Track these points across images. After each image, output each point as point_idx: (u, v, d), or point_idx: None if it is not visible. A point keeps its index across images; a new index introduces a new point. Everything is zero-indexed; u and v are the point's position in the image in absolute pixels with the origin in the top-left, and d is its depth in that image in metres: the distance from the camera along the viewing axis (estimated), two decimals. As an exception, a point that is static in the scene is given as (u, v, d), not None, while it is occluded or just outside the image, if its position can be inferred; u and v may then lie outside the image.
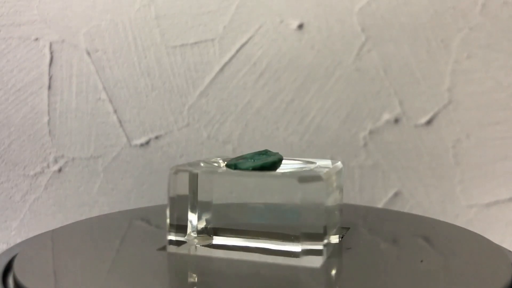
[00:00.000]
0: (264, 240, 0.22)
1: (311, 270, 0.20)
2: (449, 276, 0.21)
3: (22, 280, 0.19)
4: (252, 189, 0.23)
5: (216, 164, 0.25)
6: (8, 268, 0.22)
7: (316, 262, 0.21)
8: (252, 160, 0.24)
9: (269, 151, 0.25)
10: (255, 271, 0.21)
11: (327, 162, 0.25)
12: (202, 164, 0.25)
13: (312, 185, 0.21)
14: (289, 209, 0.21)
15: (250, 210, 0.23)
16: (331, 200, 0.22)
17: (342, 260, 0.22)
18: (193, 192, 0.23)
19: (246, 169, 0.23)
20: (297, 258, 0.21)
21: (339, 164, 0.25)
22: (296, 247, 0.21)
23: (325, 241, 0.21)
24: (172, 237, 0.23)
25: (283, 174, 0.22)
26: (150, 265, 0.22)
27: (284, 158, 0.25)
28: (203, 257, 0.23)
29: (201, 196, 0.23)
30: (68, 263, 0.22)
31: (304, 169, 0.24)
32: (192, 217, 0.23)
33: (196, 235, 0.23)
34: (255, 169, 0.23)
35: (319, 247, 0.21)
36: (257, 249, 0.22)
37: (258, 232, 0.22)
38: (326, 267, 0.21)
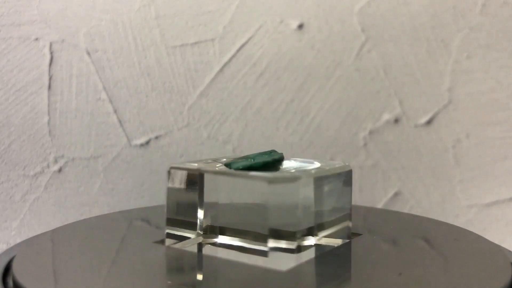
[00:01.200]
0: (236, 238, 0.23)
1: (274, 272, 0.20)
2: (448, 277, 0.21)
3: (20, 280, 0.19)
4: (230, 188, 0.23)
5: (210, 162, 0.25)
6: (8, 268, 0.22)
7: (282, 263, 0.21)
8: (252, 160, 0.24)
9: (274, 151, 0.25)
10: (226, 269, 0.21)
11: (335, 164, 0.25)
12: (198, 163, 0.25)
13: (282, 186, 0.21)
14: (259, 209, 0.22)
15: (224, 208, 0.23)
16: (307, 201, 0.22)
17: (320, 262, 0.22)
18: (186, 189, 0.24)
19: (237, 168, 0.23)
20: (265, 258, 0.21)
21: (342, 166, 0.25)
22: (264, 247, 0.21)
23: (297, 242, 0.21)
24: (169, 231, 0.23)
25: (256, 175, 0.22)
26: (150, 265, 0.22)
27: (301, 160, 0.25)
28: (206, 256, 0.23)
29: (193, 194, 0.24)
30: (67, 263, 0.22)
31: (289, 170, 0.24)
32: (187, 214, 0.24)
33: (197, 233, 0.24)
34: (244, 168, 0.23)
35: (290, 246, 0.21)
36: (231, 246, 0.23)
37: (230, 229, 0.23)
38: (295, 270, 0.21)
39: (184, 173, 0.24)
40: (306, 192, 0.22)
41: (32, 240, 0.25)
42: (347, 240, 0.24)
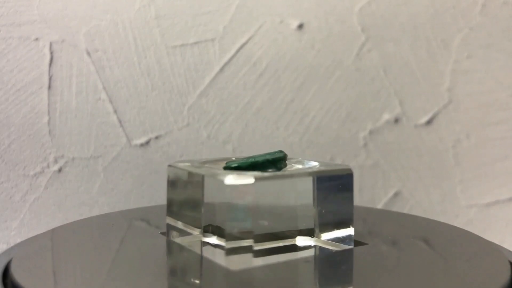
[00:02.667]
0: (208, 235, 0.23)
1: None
2: (447, 278, 0.21)
3: (19, 280, 0.19)
4: (211, 188, 0.23)
5: (211, 162, 0.26)
6: (8, 268, 0.22)
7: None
8: (252, 159, 0.24)
9: (278, 152, 0.25)
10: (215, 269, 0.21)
11: (336, 165, 0.25)
12: (200, 162, 0.25)
13: (238, 188, 0.22)
14: (220, 209, 0.22)
15: (217, 208, 0.23)
16: (265, 203, 0.22)
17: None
18: (185, 188, 0.24)
19: (229, 167, 0.24)
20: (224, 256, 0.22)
21: (343, 168, 0.24)
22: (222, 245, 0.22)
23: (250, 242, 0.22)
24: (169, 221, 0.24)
25: (218, 174, 0.22)
26: (149, 265, 0.22)
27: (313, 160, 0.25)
28: (198, 258, 0.23)
29: (192, 193, 0.24)
30: (66, 263, 0.22)
31: (288, 170, 0.25)
32: (187, 214, 0.24)
33: (197, 233, 0.24)
34: (236, 168, 0.24)
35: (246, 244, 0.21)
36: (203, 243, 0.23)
37: (219, 228, 0.23)
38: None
39: (180, 172, 0.24)
40: (304, 191, 0.23)
41: (31, 240, 0.25)
42: (349, 247, 0.24)
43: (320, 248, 0.23)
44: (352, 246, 0.23)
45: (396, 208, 0.41)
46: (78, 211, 0.41)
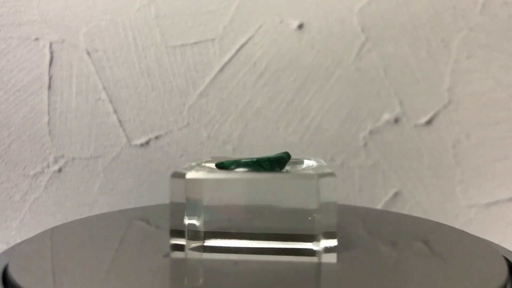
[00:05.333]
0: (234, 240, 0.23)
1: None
2: (445, 278, 0.21)
3: (18, 280, 0.19)
4: (229, 191, 0.23)
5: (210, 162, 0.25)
6: (8, 268, 0.22)
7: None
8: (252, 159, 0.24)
9: (281, 153, 0.25)
10: (225, 272, 0.21)
11: (323, 162, 0.25)
12: (205, 165, 0.25)
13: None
14: (264, 210, 0.22)
15: (223, 212, 0.23)
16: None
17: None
18: (188, 196, 0.24)
19: (221, 166, 0.24)
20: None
21: (326, 165, 0.25)
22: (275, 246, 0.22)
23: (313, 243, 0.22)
24: (173, 241, 0.23)
25: (254, 176, 0.23)
26: (148, 265, 0.22)
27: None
28: (197, 259, 0.23)
29: (194, 199, 0.24)
30: (66, 263, 0.22)
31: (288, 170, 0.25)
32: (190, 221, 0.24)
33: (191, 239, 0.24)
34: (234, 166, 0.24)
35: (308, 247, 0.21)
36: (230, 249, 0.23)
37: (228, 233, 0.23)
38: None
39: (183, 181, 0.24)
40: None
41: (31, 240, 0.25)
42: (335, 239, 0.25)
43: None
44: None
45: (396, 208, 0.41)
46: (78, 211, 0.41)
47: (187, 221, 0.23)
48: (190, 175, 0.22)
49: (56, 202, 0.41)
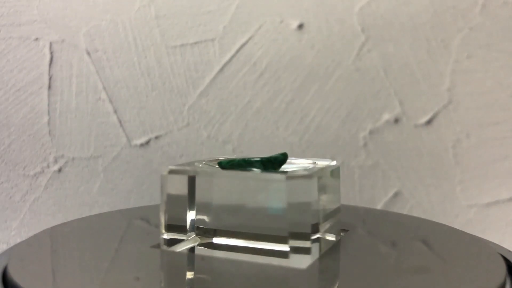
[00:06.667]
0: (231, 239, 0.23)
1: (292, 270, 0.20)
2: (444, 278, 0.21)
3: (18, 280, 0.19)
4: (222, 189, 0.24)
5: (206, 163, 0.26)
6: (8, 268, 0.22)
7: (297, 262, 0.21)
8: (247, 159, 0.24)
9: (278, 153, 0.25)
10: (221, 268, 0.21)
11: (325, 161, 0.25)
12: (200, 165, 0.25)
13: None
14: (254, 209, 0.23)
15: (218, 209, 0.24)
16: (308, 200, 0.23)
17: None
18: (180, 192, 0.24)
19: (225, 164, 0.24)
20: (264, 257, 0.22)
21: (331, 163, 0.25)
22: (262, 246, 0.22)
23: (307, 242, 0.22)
24: (165, 236, 0.24)
25: (248, 174, 0.23)
26: (148, 265, 0.22)
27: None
28: (198, 255, 0.23)
29: (186, 196, 0.24)
30: (66, 263, 0.22)
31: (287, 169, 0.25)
32: (184, 217, 0.24)
33: (192, 235, 0.24)
34: (231, 165, 0.24)
35: (303, 245, 0.22)
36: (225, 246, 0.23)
37: (223, 231, 0.24)
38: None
39: (177, 177, 0.24)
40: (309, 190, 0.22)
41: (31, 239, 0.25)
42: (339, 236, 0.25)
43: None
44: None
45: (396, 208, 0.41)
46: (78, 211, 0.41)
47: (184, 216, 0.24)
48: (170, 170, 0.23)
49: (56, 202, 0.41)
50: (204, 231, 0.23)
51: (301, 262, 0.21)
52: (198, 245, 0.24)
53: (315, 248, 0.22)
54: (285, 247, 0.21)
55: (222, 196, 0.23)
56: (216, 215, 0.23)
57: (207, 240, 0.24)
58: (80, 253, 0.24)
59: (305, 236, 0.21)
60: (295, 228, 0.21)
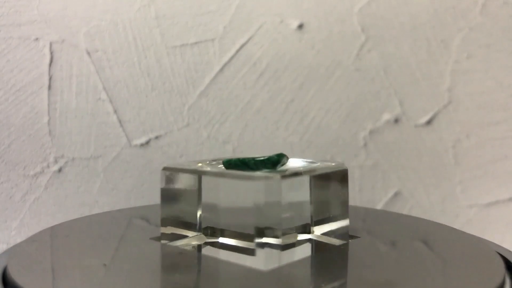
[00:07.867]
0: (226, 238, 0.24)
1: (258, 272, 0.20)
2: (444, 278, 0.21)
3: (18, 280, 0.19)
4: (216, 188, 0.24)
5: (204, 163, 0.26)
6: (8, 268, 0.22)
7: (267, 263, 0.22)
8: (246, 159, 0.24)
9: (276, 154, 0.25)
10: (218, 268, 0.21)
11: (331, 163, 0.25)
12: (199, 164, 0.25)
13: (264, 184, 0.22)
14: (244, 209, 0.23)
15: (214, 208, 0.24)
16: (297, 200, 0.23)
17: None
18: (178, 190, 0.25)
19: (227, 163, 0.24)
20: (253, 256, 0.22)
21: (337, 165, 0.25)
22: (252, 245, 0.23)
23: (286, 239, 0.22)
24: (164, 231, 0.24)
25: (239, 174, 0.23)
26: (148, 265, 0.22)
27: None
28: (204, 255, 0.23)
29: (184, 195, 0.25)
30: (66, 262, 0.22)
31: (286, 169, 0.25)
32: (183, 214, 0.24)
33: (192, 234, 0.24)
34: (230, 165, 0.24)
35: (277, 243, 0.22)
36: (221, 245, 0.24)
37: (220, 229, 0.24)
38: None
39: (175, 174, 0.24)
40: (300, 190, 0.23)
41: (31, 239, 0.25)
42: (345, 241, 0.24)
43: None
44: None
45: (396, 208, 0.41)
46: (78, 211, 0.41)
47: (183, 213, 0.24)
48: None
49: (56, 202, 0.41)
50: (208, 230, 0.24)
51: (267, 263, 0.21)
52: (205, 243, 0.24)
53: (305, 247, 0.22)
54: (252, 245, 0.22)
55: (212, 196, 0.24)
56: (211, 213, 0.24)
57: (208, 240, 0.24)
58: (80, 253, 0.24)
59: (274, 235, 0.22)
60: (265, 227, 0.22)
